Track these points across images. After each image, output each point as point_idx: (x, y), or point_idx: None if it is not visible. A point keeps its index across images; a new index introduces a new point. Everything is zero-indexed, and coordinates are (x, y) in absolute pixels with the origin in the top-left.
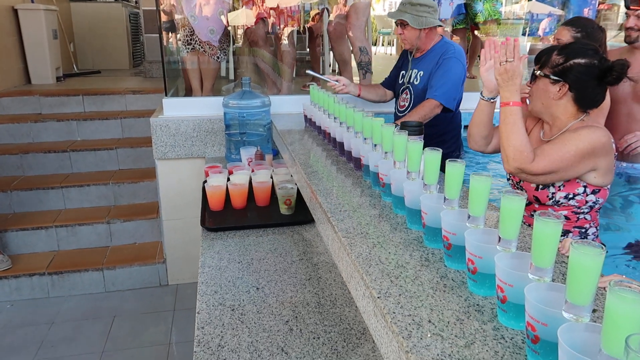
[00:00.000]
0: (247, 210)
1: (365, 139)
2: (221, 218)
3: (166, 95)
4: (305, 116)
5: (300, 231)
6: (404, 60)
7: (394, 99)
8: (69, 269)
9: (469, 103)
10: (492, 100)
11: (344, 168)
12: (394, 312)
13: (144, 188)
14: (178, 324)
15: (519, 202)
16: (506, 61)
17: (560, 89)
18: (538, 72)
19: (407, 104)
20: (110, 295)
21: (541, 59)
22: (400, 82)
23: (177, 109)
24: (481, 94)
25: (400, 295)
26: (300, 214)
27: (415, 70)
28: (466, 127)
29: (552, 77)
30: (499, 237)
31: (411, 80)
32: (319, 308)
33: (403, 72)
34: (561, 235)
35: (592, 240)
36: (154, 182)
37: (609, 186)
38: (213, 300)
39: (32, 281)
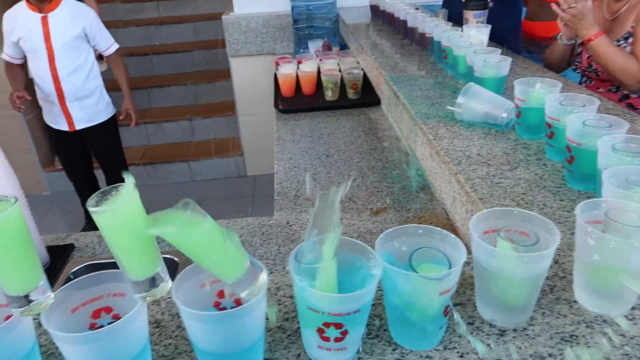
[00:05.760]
0: (316, 96)
1: (430, 15)
2: (293, 102)
3: None
4: (372, 6)
5: (366, 112)
6: None
7: None
8: (160, 161)
9: None
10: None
11: (410, 49)
12: (447, 149)
13: (220, 87)
14: (257, 208)
15: None
16: (570, 7)
17: None
18: None
19: None
20: (196, 184)
21: None
22: None
23: (246, 5)
24: (560, 38)
25: (454, 138)
26: (367, 97)
27: None
28: None
29: None
30: None
31: None
32: (383, 170)
33: None
34: None
35: None
36: (229, 82)
37: None
38: (289, 164)
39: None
